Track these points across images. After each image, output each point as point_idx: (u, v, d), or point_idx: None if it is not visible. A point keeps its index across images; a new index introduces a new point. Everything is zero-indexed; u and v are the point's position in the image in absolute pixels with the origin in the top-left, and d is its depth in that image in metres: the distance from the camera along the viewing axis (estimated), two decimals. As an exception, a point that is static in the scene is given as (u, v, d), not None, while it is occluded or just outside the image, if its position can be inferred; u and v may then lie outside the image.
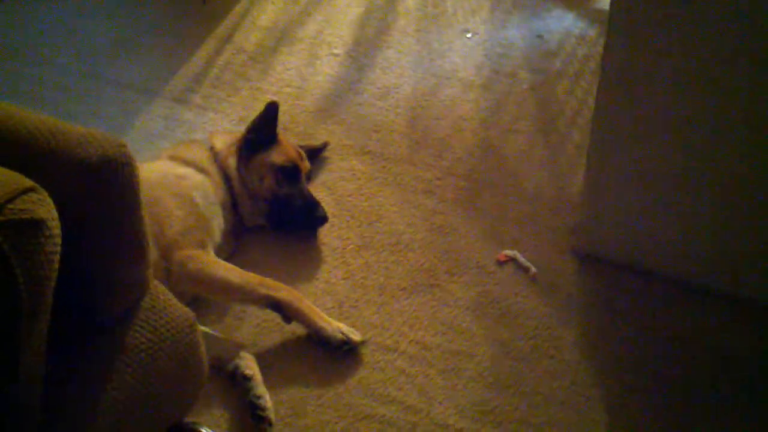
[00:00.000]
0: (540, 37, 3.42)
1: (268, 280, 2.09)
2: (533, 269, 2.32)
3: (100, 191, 1.22)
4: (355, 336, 2.08)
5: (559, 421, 1.96)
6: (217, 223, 2.23)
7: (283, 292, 2.07)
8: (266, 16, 3.46)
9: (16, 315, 1.00)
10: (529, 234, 2.46)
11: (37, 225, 1.01)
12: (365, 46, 3.32)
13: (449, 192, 2.60)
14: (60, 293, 1.08)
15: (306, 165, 2.51)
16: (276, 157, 2.40)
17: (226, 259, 2.19)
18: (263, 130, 2.42)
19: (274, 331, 2.13)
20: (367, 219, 2.49)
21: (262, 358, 2.04)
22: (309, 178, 2.55)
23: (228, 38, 3.32)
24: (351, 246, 2.41)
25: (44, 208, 1.03)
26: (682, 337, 2.16)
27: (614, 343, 2.15)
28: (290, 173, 2.40)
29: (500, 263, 2.36)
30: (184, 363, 1.40)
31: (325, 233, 2.44)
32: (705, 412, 1.98)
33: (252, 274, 2.10)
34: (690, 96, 1.96)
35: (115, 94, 3.02)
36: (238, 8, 3.51)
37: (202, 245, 2.11)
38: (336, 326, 2.07)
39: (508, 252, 2.37)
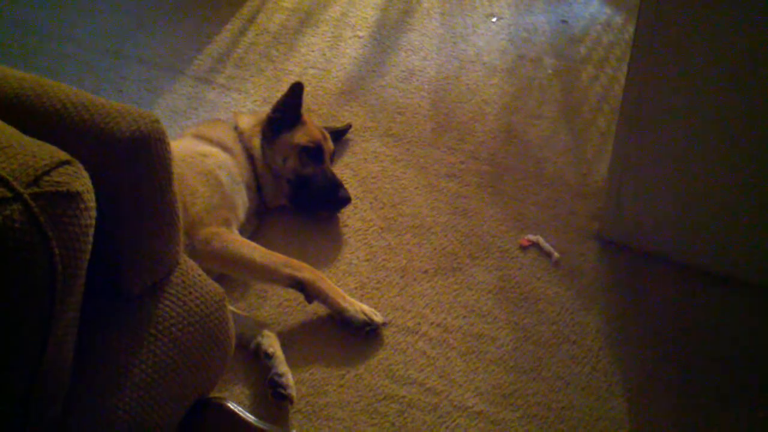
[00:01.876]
0: (565, 22, 3.39)
1: (292, 260, 2.10)
2: (556, 254, 2.32)
3: (132, 166, 1.23)
4: (377, 317, 2.09)
5: (580, 406, 1.96)
6: (242, 201, 2.23)
7: (306, 272, 2.08)
8: (290, -3, 3.45)
9: (51, 286, 1.01)
10: (552, 219, 2.45)
11: (73, 197, 1.02)
12: (389, 29, 3.31)
13: (472, 176, 2.60)
14: (91, 266, 1.09)
15: (330, 146, 2.51)
16: (300, 137, 2.40)
17: (248, 239, 2.19)
18: (288, 110, 2.42)
19: (297, 310, 2.14)
20: (390, 201, 2.49)
21: (284, 337, 2.05)
22: (332, 160, 2.55)
23: (252, 18, 3.32)
24: (374, 228, 2.41)
25: (80, 180, 1.04)
26: (704, 325, 2.15)
27: (636, 329, 2.14)
28: (314, 154, 2.40)
29: (523, 248, 2.35)
30: (213, 338, 1.41)
31: (348, 215, 2.44)
32: (726, 400, 1.97)
33: (275, 254, 2.11)
34: (720, 82, 1.94)
35: (138, 72, 3.02)
36: (262, -12, 3.51)
37: (227, 223, 2.11)
38: (358, 307, 2.08)
39: (531, 237, 2.37)
